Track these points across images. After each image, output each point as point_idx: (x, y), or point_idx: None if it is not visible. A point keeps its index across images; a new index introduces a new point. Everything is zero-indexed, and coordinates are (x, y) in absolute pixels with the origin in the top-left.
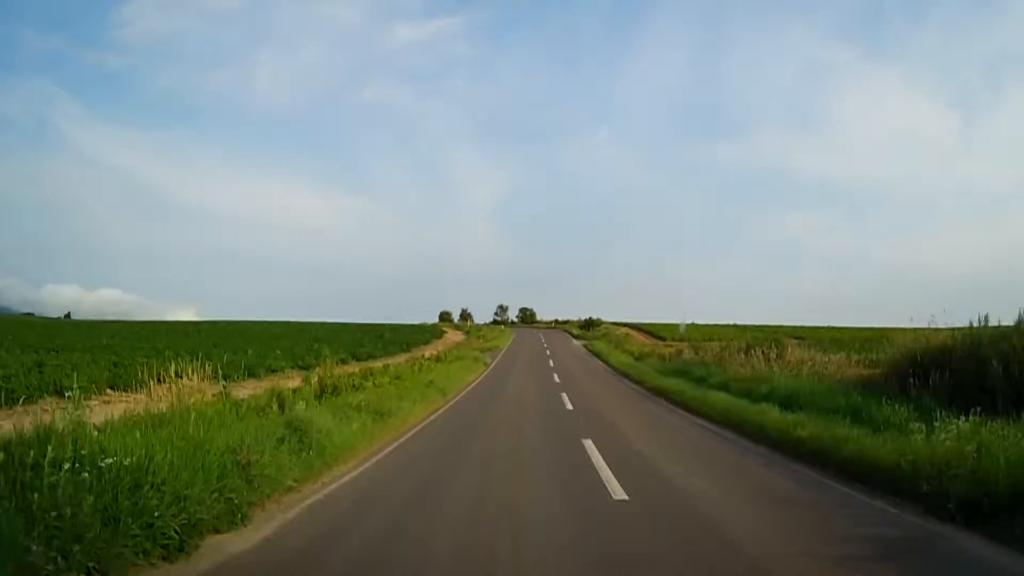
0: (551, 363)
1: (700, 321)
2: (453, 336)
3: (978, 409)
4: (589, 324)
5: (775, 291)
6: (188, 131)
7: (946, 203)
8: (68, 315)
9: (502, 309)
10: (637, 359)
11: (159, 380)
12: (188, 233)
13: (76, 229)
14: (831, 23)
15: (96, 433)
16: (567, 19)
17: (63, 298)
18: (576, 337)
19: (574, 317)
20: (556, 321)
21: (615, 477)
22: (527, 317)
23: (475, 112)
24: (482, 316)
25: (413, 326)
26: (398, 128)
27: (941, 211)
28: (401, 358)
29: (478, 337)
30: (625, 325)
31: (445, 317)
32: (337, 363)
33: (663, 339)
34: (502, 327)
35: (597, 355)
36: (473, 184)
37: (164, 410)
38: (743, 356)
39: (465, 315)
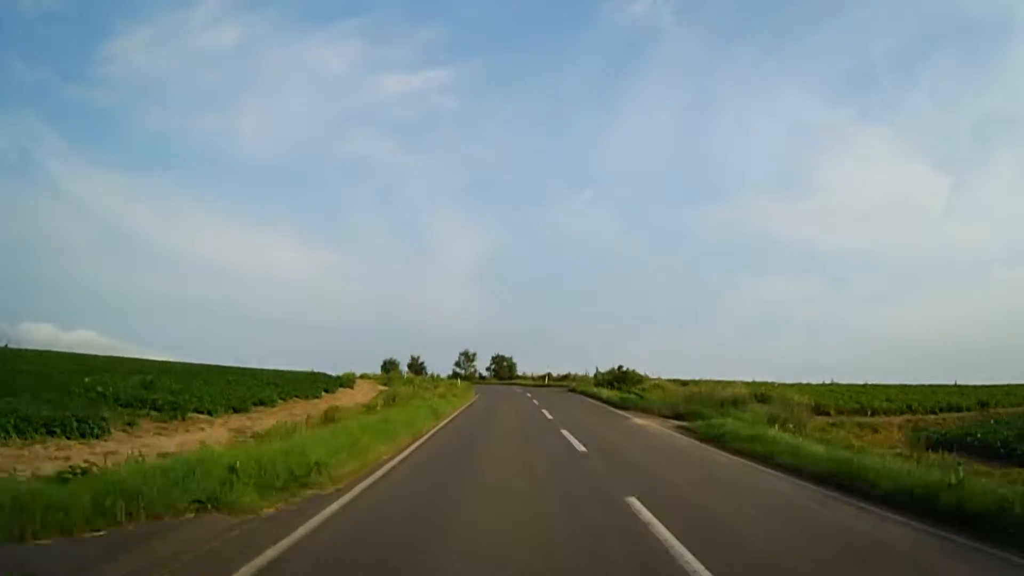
0: None
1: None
2: (361, 392)
3: None
4: (623, 378)
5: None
6: (172, 175)
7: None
8: (6, 345)
9: (467, 358)
10: None
11: None
12: (164, 278)
13: (57, 268)
14: (820, 87)
15: None
16: (555, 78)
17: (39, 336)
18: (618, 406)
19: (578, 371)
20: (548, 376)
21: None
22: (503, 370)
23: (458, 166)
24: (446, 369)
25: (327, 376)
26: (377, 181)
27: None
28: None
29: (391, 399)
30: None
31: (390, 367)
32: None
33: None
34: (458, 381)
35: None
36: (452, 237)
37: None
38: None
39: (416, 366)
